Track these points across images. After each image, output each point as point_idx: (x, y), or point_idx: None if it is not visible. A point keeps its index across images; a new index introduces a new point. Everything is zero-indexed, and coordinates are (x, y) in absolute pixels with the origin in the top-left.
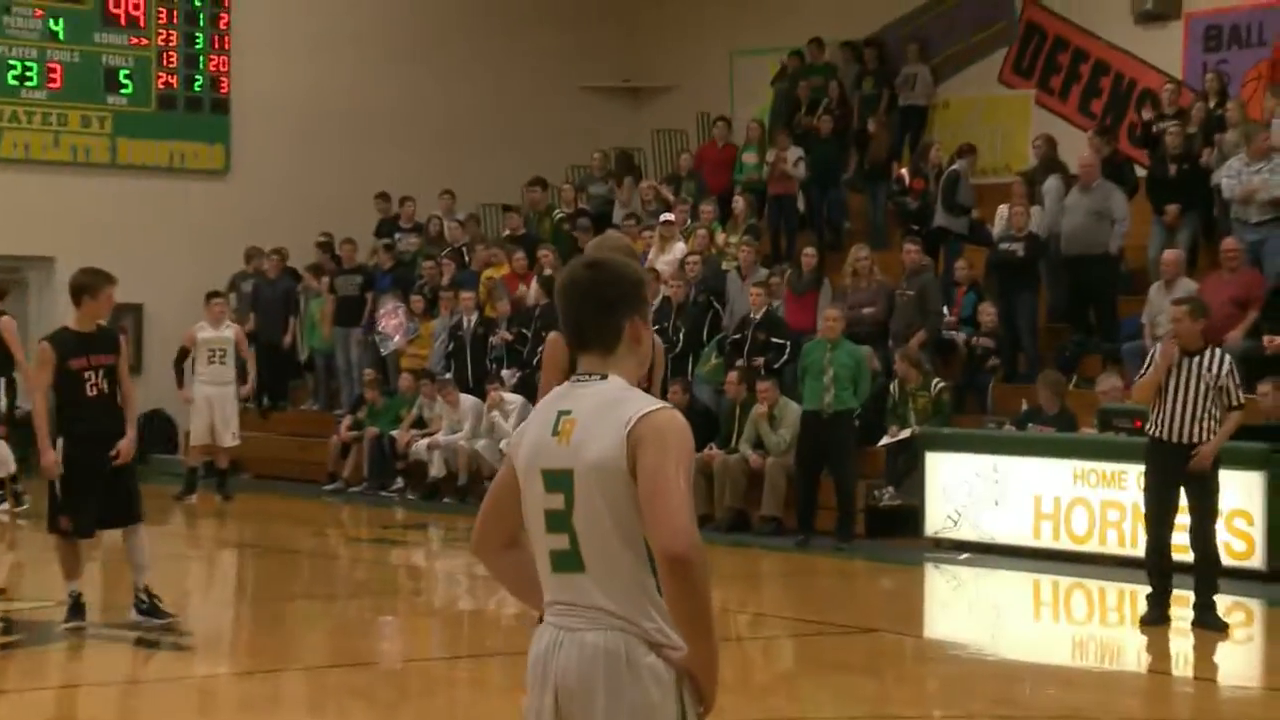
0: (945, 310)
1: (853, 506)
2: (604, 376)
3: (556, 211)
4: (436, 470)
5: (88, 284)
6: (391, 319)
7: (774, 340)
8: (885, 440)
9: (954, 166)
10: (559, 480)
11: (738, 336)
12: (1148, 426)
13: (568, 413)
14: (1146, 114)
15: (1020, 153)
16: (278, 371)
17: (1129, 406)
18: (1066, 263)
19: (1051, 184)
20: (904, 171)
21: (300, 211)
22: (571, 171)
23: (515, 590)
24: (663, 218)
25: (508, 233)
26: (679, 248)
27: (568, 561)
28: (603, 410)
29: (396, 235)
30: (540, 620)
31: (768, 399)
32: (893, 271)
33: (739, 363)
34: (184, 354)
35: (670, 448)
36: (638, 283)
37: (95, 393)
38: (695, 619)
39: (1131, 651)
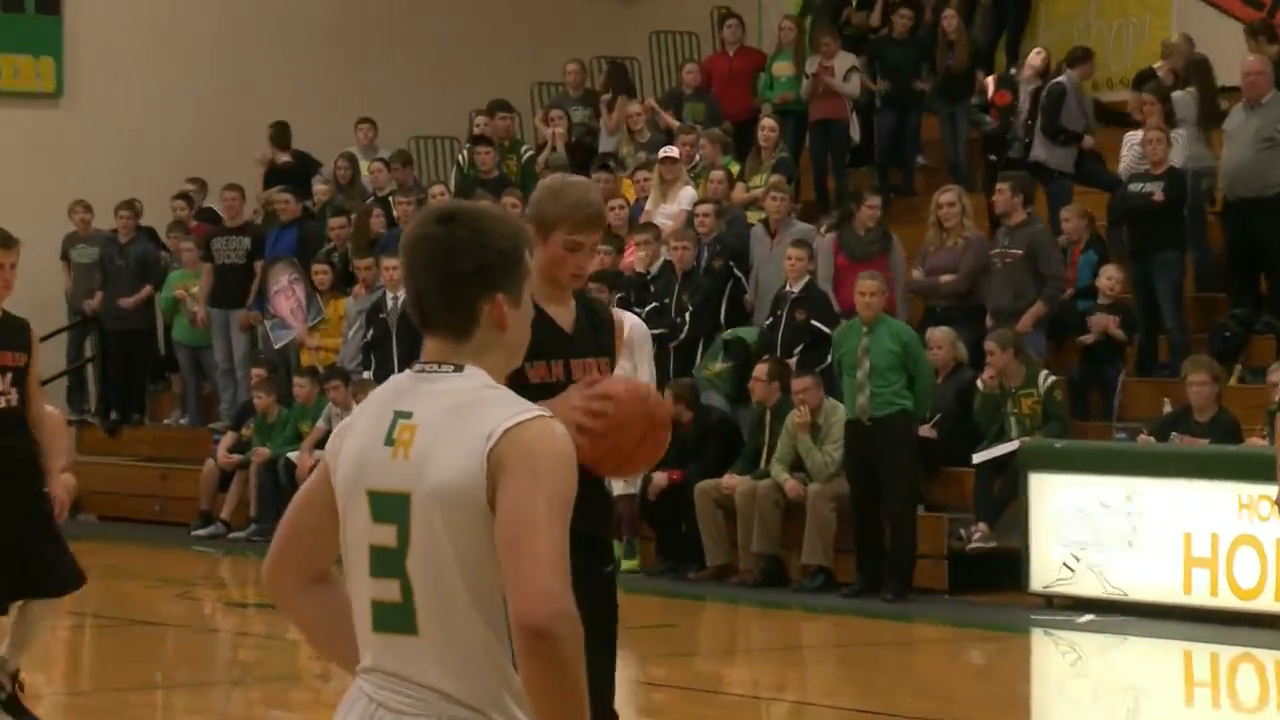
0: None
1: (908, 548)
2: (458, 368)
3: (525, 149)
4: None
5: None
6: (288, 298)
7: (816, 324)
8: (976, 458)
9: (1059, 78)
10: (391, 507)
11: (768, 320)
12: None
13: (407, 415)
14: None
15: (1156, 57)
16: (132, 373)
17: None
18: (1225, 209)
19: (1182, 101)
20: (990, 81)
21: (162, 151)
22: (540, 92)
23: (316, 640)
24: (662, 153)
25: (460, 176)
26: (686, 194)
27: (396, 619)
28: (455, 416)
29: (292, 182)
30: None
31: (808, 402)
32: (979, 223)
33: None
34: None
35: (542, 476)
36: (509, 247)
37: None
38: (558, 715)
39: None
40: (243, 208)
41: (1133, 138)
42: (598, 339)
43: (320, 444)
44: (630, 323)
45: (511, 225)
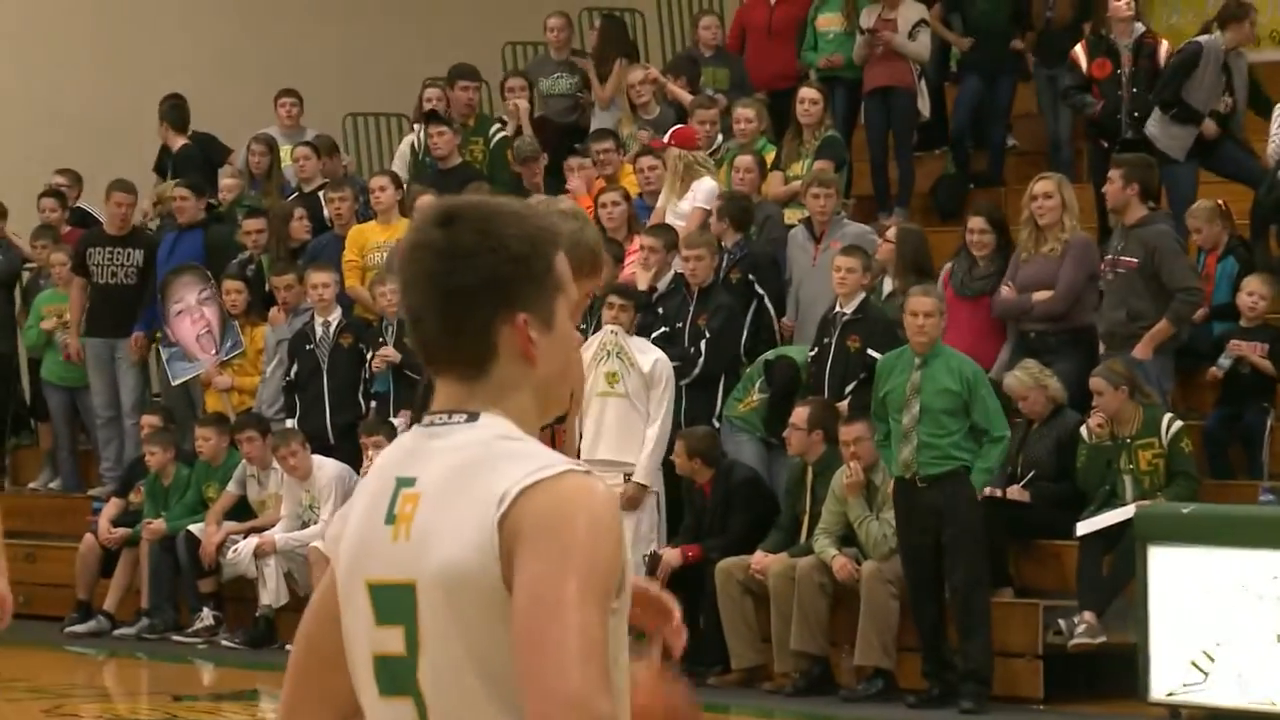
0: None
1: (982, 643)
2: (472, 417)
3: (495, 128)
4: (272, 593)
5: None
6: (195, 320)
7: (873, 354)
8: (1080, 528)
9: (1197, 40)
10: (395, 602)
11: (813, 351)
12: None
13: (410, 483)
14: None
15: None
16: None
17: None
18: None
19: None
20: (1079, 50)
21: (25, 138)
22: (513, 56)
23: None
24: (671, 134)
25: (435, 160)
26: (704, 188)
27: None
28: (462, 478)
29: (193, 173)
30: None
31: (861, 457)
32: (1087, 223)
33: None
34: None
35: (572, 547)
36: (529, 252)
37: None
38: None
39: None
40: (132, 213)
41: None
42: None
43: (233, 513)
44: (653, 359)
45: (534, 222)
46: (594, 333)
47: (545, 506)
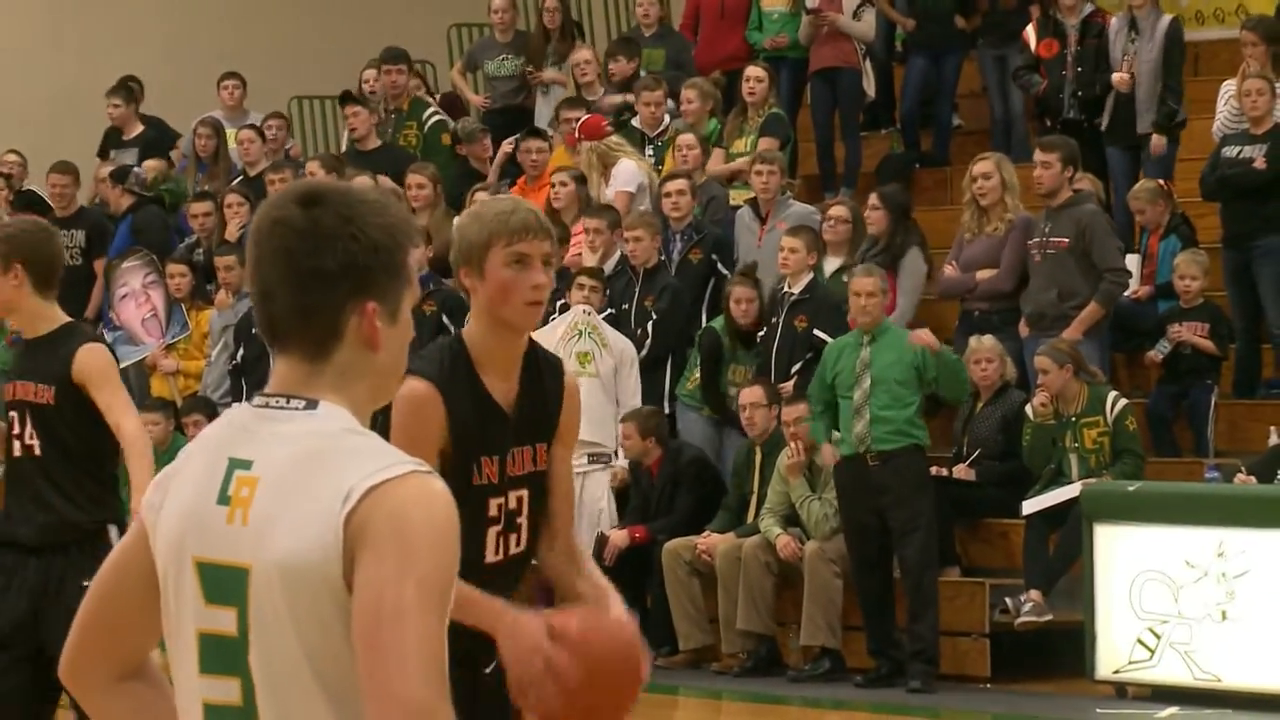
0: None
1: (930, 623)
2: (310, 404)
3: (429, 112)
4: None
5: None
6: (140, 304)
7: (820, 334)
8: (1026, 507)
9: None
10: (227, 585)
11: (761, 331)
12: None
13: (246, 465)
14: None
15: None
16: None
17: None
18: None
19: None
20: (1029, 31)
21: None
22: (458, 38)
23: None
24: (579, 128)
25: (347, 145)
26: (624, 170)
27: None
28: (306, 469)
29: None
30: None
31: (803, 437)
32: (1031, 204)
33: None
34: None
35: (415, 551)
36: (388, 242)
37: (18, 454)
38: None
39: None
40: (76, 192)
41: (1229, 88)
42: (538, 417)
43: None
44: (621, 348)
45: (393, 214)
46: (559, 314)
47: (389, 508)
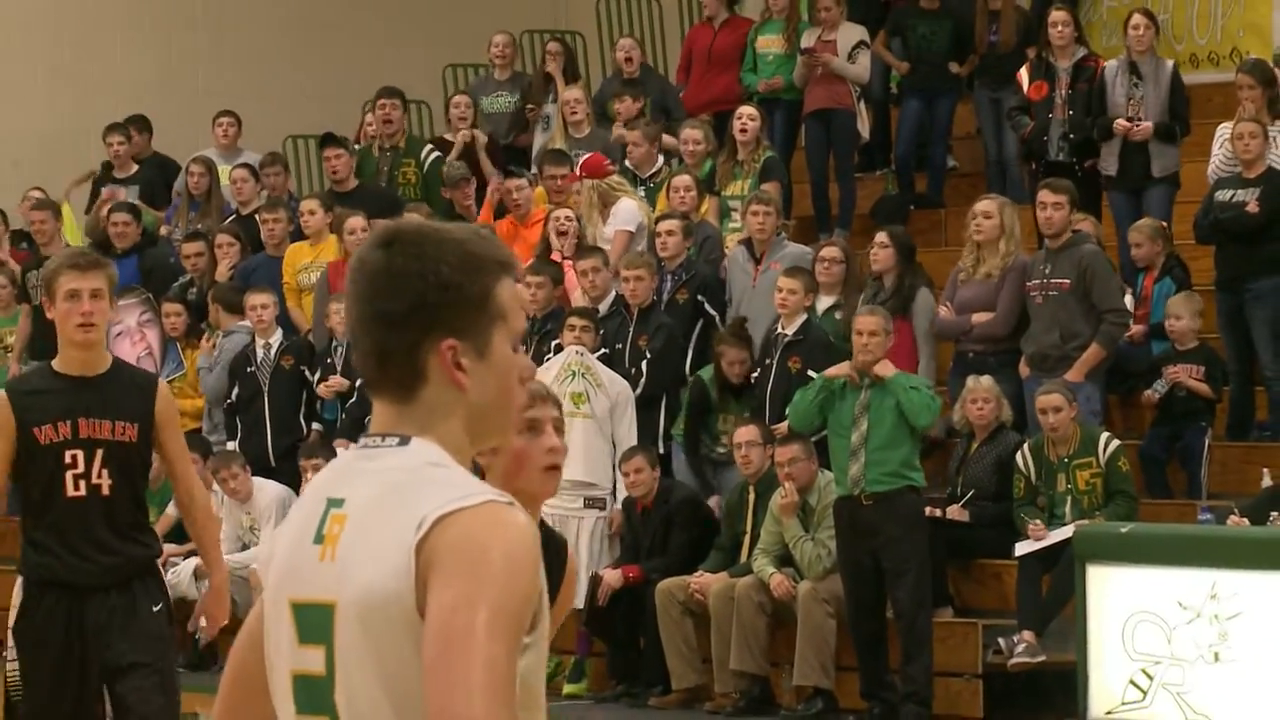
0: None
1: (923, 663)
2: (403, 440)
3: (427, 150)
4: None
5: (46, 274)
6: (135, 342)
7: (815, 375)
8: (1019, 549)
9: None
10: (316, 621)
11: (756, 372)
12: None
13: (339, 504)
14: None
15: (1261, 27)
16: None
17: None
18: None
19: None
20: (1022, 72)
21: None
22: (454, 78)
23: None
24: (581, 166)
25: (332, 183)
26: (624, 210)
27: None
28: (386, 501)
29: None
30: None
31: (796, 478)
32: (1028, 245)
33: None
34: None
35: (485, 578)
36: (460, 280)
37: (81, 493)
38: None
39: None
40: (59, 228)
41: (1224, 132)
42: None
43: (173, 535)
44: (618, 382)
45: (470, 249)
46: (551, 354)
47: (462, 535)
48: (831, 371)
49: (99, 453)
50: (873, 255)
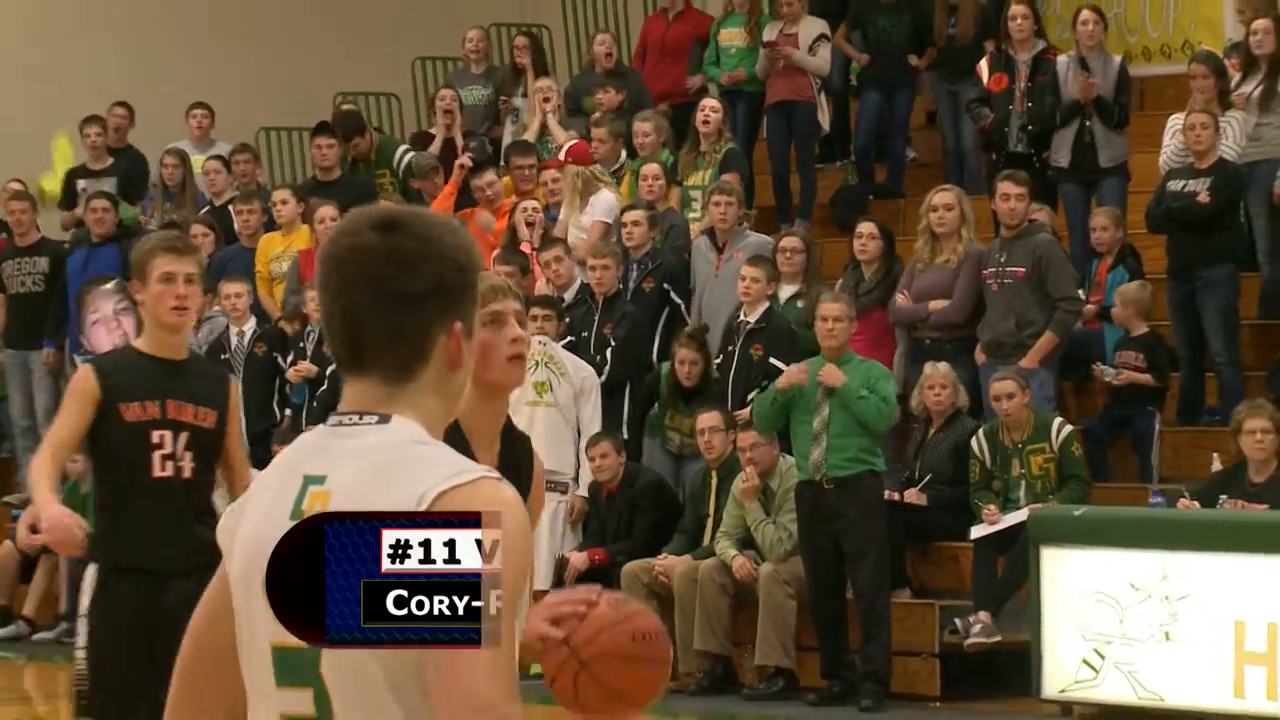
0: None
1: (882, 643)
2: (383, 419)
3: (401, 151)
4: None
5: (139, 256)
6: (111, 330)
7: (776, 362)
8: (974, 532)
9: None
10: None
11: (717, 358)
12: None
13: (319, 480)
14: None
15: (1212, 20)
16: None
17: None
18: None
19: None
20: (982, 64)
21: None
22: (425, 71)
23: None
24: (567, 151)
25: (318, 170)
26: (603, 201)
27: None
28: (378, 480)
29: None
30: None
31: (758, 462)
32: (984, 235)
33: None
34: None
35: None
36: (466, 264)
37: (168, 474)
38: None
39: None
40: (35, 219)
41: (1176, 123)
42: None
43: None
44: (582, 370)
45: (463, 236)
46: None
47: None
48: (781, 383)
49: (184, 436)
50: (860, 246)
